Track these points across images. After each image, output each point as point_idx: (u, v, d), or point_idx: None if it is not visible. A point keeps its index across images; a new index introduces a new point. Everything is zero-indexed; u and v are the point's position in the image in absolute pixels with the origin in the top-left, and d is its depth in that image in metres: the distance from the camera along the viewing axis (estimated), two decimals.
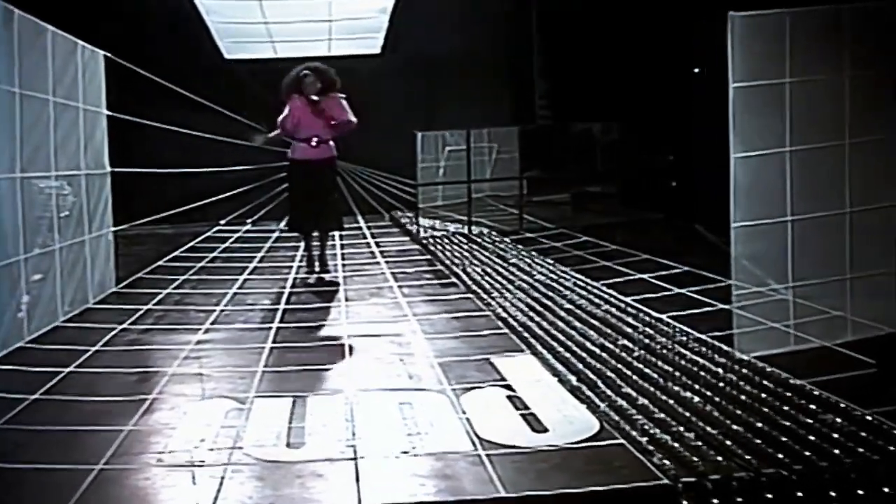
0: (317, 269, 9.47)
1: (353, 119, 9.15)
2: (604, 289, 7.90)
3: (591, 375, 5.40)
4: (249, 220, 14.27)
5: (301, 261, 9.96)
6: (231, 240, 12.53)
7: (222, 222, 13.94)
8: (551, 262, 9.52)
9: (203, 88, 13.11)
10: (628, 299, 7.40)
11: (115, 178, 8.75)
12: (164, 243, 11.70)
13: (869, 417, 4.44)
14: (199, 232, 12.90)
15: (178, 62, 13.15)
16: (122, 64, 9.14)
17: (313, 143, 9.10)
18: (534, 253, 10.23)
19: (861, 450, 4.07)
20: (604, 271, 8.83)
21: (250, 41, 15.23)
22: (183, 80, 12.06)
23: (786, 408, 4.65)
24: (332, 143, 9.25)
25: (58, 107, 7.38)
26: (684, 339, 6.10)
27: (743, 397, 4.87)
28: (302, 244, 9.90)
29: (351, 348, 6.43)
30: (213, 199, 13.09)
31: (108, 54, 8.68)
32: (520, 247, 10.79)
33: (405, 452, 4.34)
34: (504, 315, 7.16)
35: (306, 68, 9.19)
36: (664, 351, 5.84)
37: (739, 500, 3.75)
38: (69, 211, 7.55)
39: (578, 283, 8.26)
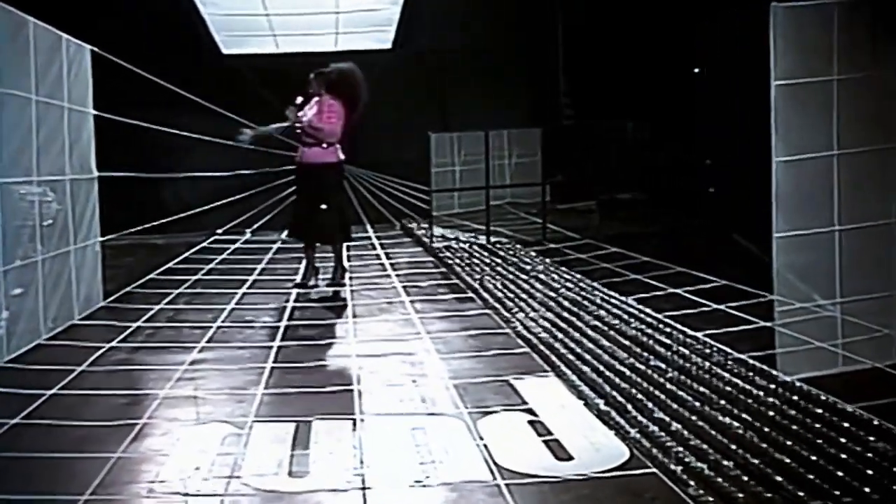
0: (312, 281, 9.46)
1: (317, 124, 9.16)
2: (634, 304, 7.89)
3: (621, 399, 5.39)
4: (249, 230, 14.30)
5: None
6: (229, 250, 12.56)
7: (219, 231, 13.97)
8: (577, 275, 9.51)
9: (199, 86, 13.14)
10: (661, 316, 7.39)
11: (103, 183, 8.77)
12: (156, 254, 11.74)
13: None
14: (194, 242, 12.94)
15: (172, 58, 13.20)
16: (110, 59, 9.16)
17: (308, 147, 9.22)
18: (558, 265, 10.22)
19: None
20: (634, 285, 8.82)
21: (250, 35, 15.29)
22: (177, 78, 12.09)
23: (833, 434, 4.64)
24: (337, 146, 9.26)
25: (40, 106, 7.40)
26: (722, 359, 6.09)
27: (786, 423, 4.85)
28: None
29: (359, 369, 6.43)
30: (210, 206, 13.12)
31: (95, 49, 8.71)
32: (543, 258, 10.79)
33: (418, 482, 4.34)
34: (525, 333, 7.15)
35: (337, 69, 9.35)
36: (700, 372, 5.82)
37: None
38: (53, 219, 7.57)
39: (606, 298, 8.25)
